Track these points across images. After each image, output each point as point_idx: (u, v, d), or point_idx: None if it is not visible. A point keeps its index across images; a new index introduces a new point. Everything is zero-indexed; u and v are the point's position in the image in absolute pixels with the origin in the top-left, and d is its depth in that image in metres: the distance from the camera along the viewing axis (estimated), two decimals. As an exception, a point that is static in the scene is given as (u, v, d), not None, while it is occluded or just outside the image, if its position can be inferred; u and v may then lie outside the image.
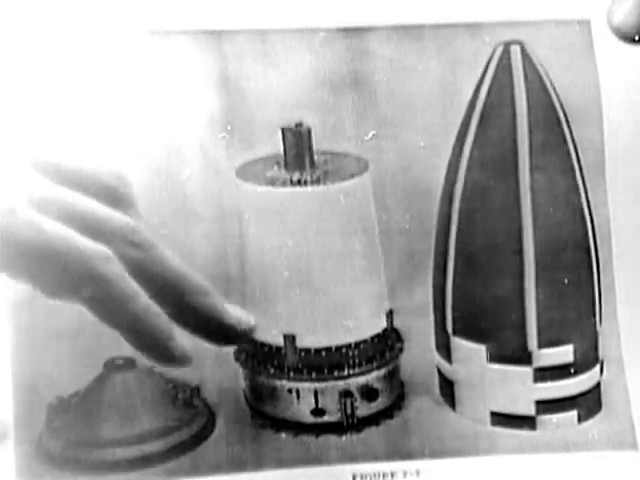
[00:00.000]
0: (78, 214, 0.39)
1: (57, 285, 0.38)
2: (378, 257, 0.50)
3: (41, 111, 0.48)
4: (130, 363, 0.49)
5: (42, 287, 0.39)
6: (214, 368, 0.49)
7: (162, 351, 0.39)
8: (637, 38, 0.49)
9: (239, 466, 0.48)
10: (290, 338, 0.49)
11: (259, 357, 0.50)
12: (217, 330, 0.40)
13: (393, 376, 0.51)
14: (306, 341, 0.49)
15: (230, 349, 0.50)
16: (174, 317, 0.40)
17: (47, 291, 0.39)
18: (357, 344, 0.50)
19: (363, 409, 0.50)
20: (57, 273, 0.38)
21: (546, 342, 0.49)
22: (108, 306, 0.38)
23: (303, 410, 0.50)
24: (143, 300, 0.39)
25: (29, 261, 0.37)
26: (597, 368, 0.50)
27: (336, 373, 0.50)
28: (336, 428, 0.50)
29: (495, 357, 0.50)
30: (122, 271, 0.38)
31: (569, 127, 0.50)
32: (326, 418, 0.50)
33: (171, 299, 0.40)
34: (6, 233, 0.37)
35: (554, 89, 0.49)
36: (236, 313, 0.41)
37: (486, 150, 0.49)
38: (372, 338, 0.50)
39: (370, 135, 0.50)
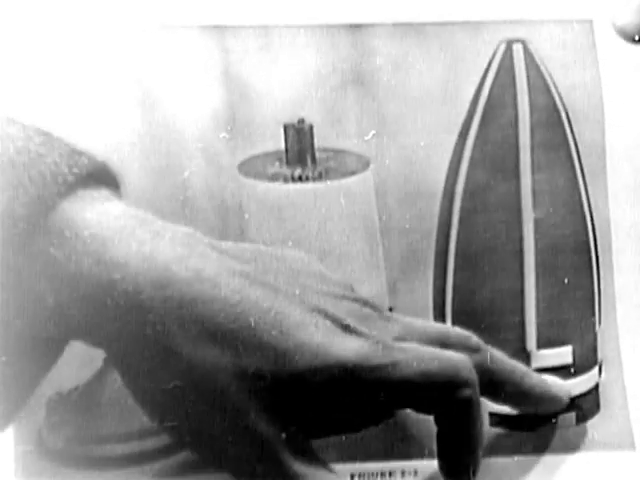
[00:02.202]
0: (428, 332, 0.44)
1: None
2: (378, 255, 0.50)
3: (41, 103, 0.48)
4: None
5: None
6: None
7: None
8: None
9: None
10: (290, 336, 0.49)
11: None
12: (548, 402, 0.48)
13: (392, 375, 0.51)
14: (306, 339, 0.49)
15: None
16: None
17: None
18: (356, 342, 0.49)
19: (362, 408, 0.50)
20: None
21: (545, 343, 0.49)
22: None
23: (302, 408, 0.49)
24: None
25: None
26: (596, 369, 0.50)
27: (335, 371, 0.49)
28: (335, 427, 0.49)
29: (494, 357, 0.50)
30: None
31: (571, 127, 0.50)
32: (325, 417, 0.49)
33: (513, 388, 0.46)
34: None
35: (556, 88, 0.49)
36: (556, 382, 0.49)
37: (487, 149, 0.49)
38: (372, 337, 0.50)
39: (370, 135, 0.49)
